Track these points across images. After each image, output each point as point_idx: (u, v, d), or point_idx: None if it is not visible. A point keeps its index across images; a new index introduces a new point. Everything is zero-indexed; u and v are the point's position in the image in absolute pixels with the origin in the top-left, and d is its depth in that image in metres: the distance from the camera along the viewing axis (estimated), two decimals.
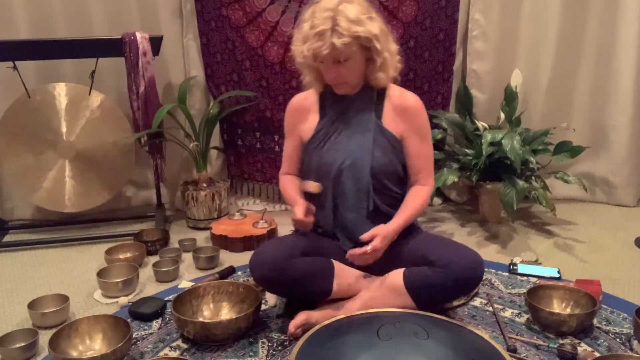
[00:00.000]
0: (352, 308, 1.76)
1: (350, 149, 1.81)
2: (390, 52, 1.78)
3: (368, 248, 1.68)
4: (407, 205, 1.81)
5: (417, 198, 1.83)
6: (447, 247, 1.76)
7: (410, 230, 1.85)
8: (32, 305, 1.91)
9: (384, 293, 1.75)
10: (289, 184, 1.96)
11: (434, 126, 2.92)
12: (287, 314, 1.88)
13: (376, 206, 1.83)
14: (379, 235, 1.70)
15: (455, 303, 1.92)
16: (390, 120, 1.83)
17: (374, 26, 1.70)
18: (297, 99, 1.96)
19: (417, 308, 1.71)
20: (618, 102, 2.88)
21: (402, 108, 1.83)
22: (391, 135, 1.82)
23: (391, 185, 1.84)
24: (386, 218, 1.82)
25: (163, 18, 2.85)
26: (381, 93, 1.85)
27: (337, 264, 1.80)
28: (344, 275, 1.80)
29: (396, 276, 1.74)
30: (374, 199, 1.82)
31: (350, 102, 1.85)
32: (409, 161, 1.85)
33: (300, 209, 1.75)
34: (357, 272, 1.84)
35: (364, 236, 1.71)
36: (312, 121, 1.90)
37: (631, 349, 1.67)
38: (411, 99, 1.84)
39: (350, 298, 1.81)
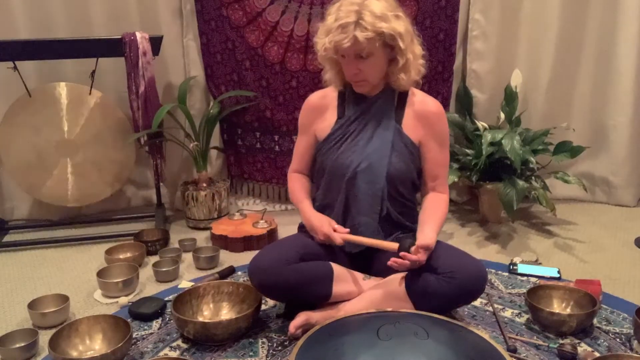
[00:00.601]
0: (352, 310, 1.75)
1: (368, 151, 1.78)
2: (414, 54, 1.74)
3: (418, 260, 1.63)
4: (435, 214, 1.77)
5: (441, 207, 1.80)
6: (451, 256, 1.72)
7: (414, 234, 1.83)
8: (32, 305, 1.91)
9: (385, 297, 1.74)
10: (298, 185, 1.95)
11: None
12: (287, 314, 1.88)
13: (388, 212, 1.81)
14: (425, 249, 1.65)
15: None
16: (410, 126, 1.80)
17: (400, 24, 1.67)
18: (315, 97, 1.92)
19: (417, 309, 1.70)
20: (618, 102, 2.88)
21: (423, 114, 1.80)
22: (409, 141, 1.79)
23: (404, 191, 1.83)
24: (396, 225, 1.83)
25: (163, 18, 2.85)
26: (403, 97, 1.82)
27: (336, 267, 1.79)
28: (343, 278, 1.79)
29: (398, 281, 1.72)
30: (386, 205, 1.80)
31: (371, 104, 1.82)
32: (426, 167, 1.83)
33: (336, 236, 1.74)
34: (357, 274, 1.84)
35: (412, 257, 1.64)
36: (329, 120, 1.86)
37: (631, 349, 1.67)
38: (433, 105, 1.82)
39: (351, 300, 1.80)
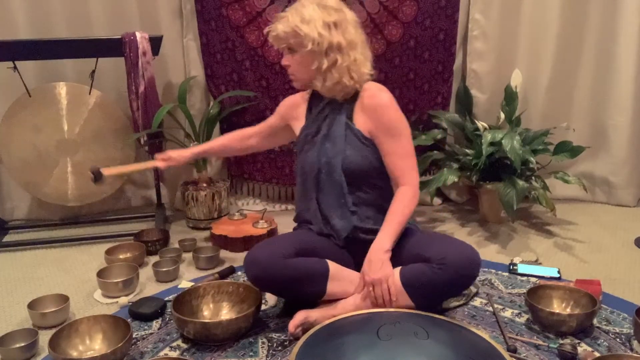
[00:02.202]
0: (350, 305, 1.76)
1: (325, 149, 1.86)
2: (334, 66, 1.78)
3: (370, 289, 1.71)
4: (391, 217, 1.78)
5: (400, 204, 1.79)
6: (441, 243, 1.76)
7: (406, 233, 1.84)
8: (32, 305, 1.90)
9: None
10: (228, 134, 2.21)
11: (434, 126, 2.93)
12: (286, 313, 1.88)
13: (362, 200, 1.85)
14: (366, 264, 1.74)
15: (456, 303, 1.93)
16: (359, 119, 1.84)
17: (322, 34, 1.74)
18: (292, 98, 2.05)
19: (415, 307, 1.71)
20: (618, 102, 2.88)
21: (369, 107, 1.83)
22: (361, 134, 1.83)
23: (374, 181, 1.85)
24: (374, 210, 1.86)
25: (163, 18, 2.85)
26: (356, 93, 1.86)
27: (332, 265, 1.80)
28: (339, 276, 1.80)
29: (393, 275, 1.73)
30: (357, 195, 1.84)
31: (327, 103, 1.90)
32: (384, 160, 1.84)
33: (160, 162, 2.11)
34: (354, 274, 1.85)
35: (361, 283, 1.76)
36: (301, 121, 1.98)
37: (631, 349, 1.67)
38: (377, 97, 1.83)
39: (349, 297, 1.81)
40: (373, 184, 1.85)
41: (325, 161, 1.84)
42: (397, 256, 1.78)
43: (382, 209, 1.84)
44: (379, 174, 1.85)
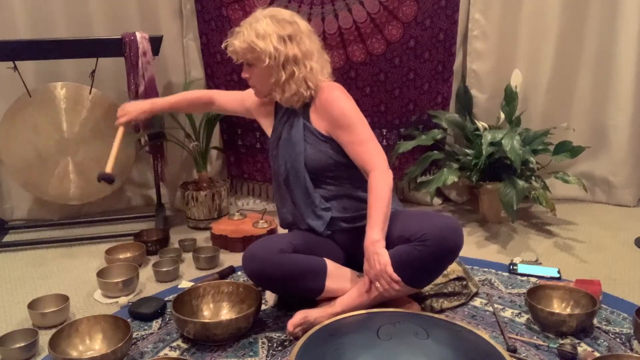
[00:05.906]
0: (348, 301, 1.77)
1: (288, 151, 1.89)
2: (292, 77, 1.81)
3: (377, 284, 1.67)
4: (370, 209, 1.74)
5: (373, 193, 1.74)
6: (420, 221, 1.75)
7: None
8: (32, 305, 1.91)
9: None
10: (187, 93, 2.28)
11: (434, 126, 2.93)
12: (286, 313, 1.88)
13: (335, 194, 1.87)
14: (365, 264, 1.70)
15: (456, 303, 1.93)
16: (316, 119, 1.87)
17: (278, 48, 1.76)
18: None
19: (410, 287, 1.74)
20: (618, 102, 2.88)
21: (320, 105, 1.85)
22: (318, 132, 1.86)
23: (338, 172, 1.86)
24: (351, 200, 1.87)
25: (163, 18, 2.85)
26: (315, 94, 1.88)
27: (330, 263, 1.82)
28: (337, 274, 1.82)
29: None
30: (327, 189, 1.87)
31: (286, 108, 1.93)
32: (347, 152, 1.84)
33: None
34: (352, 273, 1.86)
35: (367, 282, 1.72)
36: (268, 122, 2.03)
37: (631, 349, 1.67)
38: (324, 95, 1.84)
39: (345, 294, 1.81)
40: (340, 177, 1.87)
41: (290, 165, 1.88)
42: (386, 242, 1.78)
43: (358, 198, 1.86)
44: (344, 166, 1.86)
